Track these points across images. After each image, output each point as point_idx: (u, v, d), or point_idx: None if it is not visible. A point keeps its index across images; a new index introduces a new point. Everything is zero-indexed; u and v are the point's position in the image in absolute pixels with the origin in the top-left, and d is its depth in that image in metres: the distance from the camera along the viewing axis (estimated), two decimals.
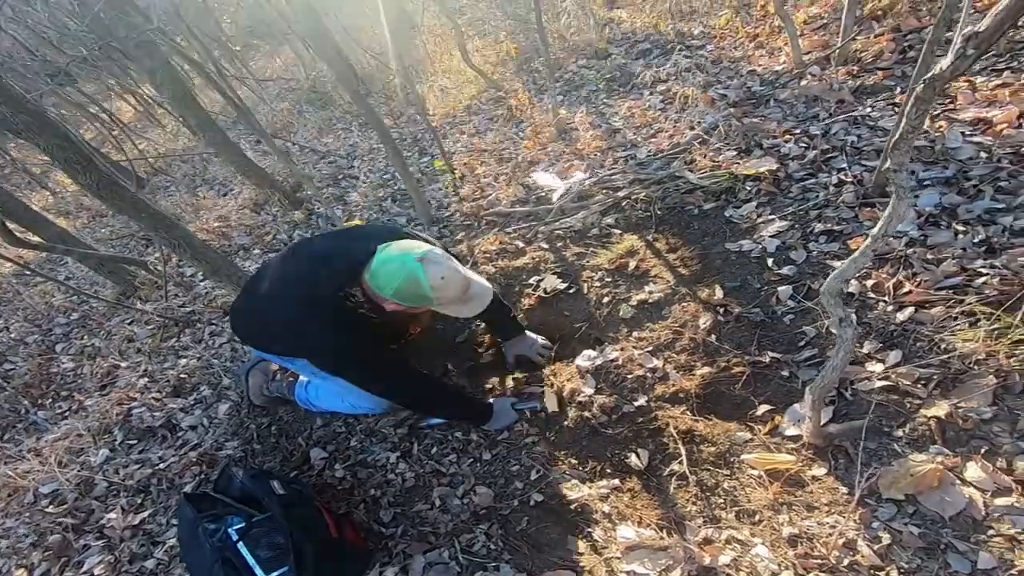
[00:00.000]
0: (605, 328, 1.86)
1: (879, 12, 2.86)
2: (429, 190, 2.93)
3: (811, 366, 1.49)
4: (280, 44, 7.59)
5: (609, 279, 1.99)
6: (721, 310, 1.71)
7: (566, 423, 1.60)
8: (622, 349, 1.72)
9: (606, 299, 1.92)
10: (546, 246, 2.22)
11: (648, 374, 1.63)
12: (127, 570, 1.55)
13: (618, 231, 2.16)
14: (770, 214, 1.95)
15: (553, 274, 2.05)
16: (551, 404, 1.64)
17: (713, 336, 1.65)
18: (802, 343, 1.54)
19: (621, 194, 2.28)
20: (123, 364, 2.40)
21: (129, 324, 2.74)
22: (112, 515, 1.69)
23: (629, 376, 1.64)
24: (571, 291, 2.01)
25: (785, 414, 1.41)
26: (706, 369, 1.59)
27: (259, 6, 7.29)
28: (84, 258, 2.89)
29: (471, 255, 2.26)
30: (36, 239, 2.65)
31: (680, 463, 1.40)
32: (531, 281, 2.09)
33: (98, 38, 2.71)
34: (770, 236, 1.86)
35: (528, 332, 1.85)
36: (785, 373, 1.50)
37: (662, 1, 3.95)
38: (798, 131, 2.27)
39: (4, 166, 6.73)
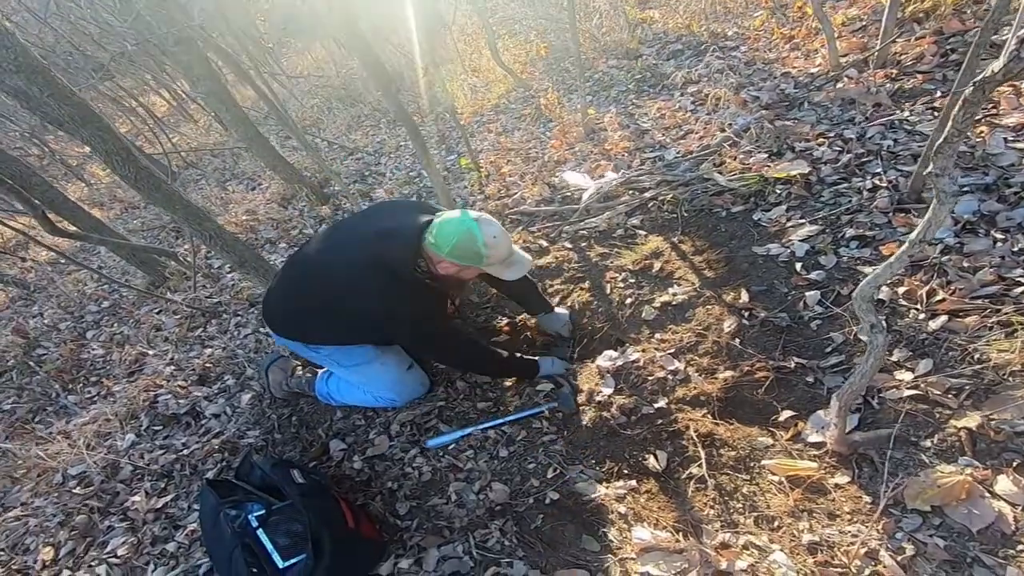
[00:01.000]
0: (627, 329, 1.85)
1: (921, 14, 2.77)
2: (455, 188, 2.95)
3: (837, 372, 1.45)
4: (311, 41, 7.75)
5: (633, 280, 1.97)
6: (746, 314, 1.68)
7: (584, 423, 1.60)
8: (643, 350, 1.71)
9: (629, 300, 1.90)
10: (570, 246, 2.22)
11: (669, 376, 1.61)
12: (149, 551, 1.59)
13: (643, 232, 2.14)
14: (800, 218, 1.91)
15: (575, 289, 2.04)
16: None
17: (737, 340, 1.63)
18: (829, 349, 1.51)
19: (648, 195, 2.26)
20: (151, 352, 2.48)
21: (158, 313, 2.83)
22: (136, 498, 1.74)
23: (650, 378, 1.63)
24: (593, 291, 2.00)
25: (808, 420, 1.38)
26: (729, 373, 1.56)
27: (292, 4, 7.44)
28: (117, 248, 3.00)
29: None
30: (73, 228, 2.75)
31: (699, 466, 1.38)
32: (555, 284, 2.08)
33: (139, 34, 2.80)
34: (799, 240, 1.82)
35: (558, 308, 1.94)
36: (810, 379, 1.47)
37: (696, 1, 3.91)
38: (832, 134, 2.22)
39: (43, 157, 7.02)
